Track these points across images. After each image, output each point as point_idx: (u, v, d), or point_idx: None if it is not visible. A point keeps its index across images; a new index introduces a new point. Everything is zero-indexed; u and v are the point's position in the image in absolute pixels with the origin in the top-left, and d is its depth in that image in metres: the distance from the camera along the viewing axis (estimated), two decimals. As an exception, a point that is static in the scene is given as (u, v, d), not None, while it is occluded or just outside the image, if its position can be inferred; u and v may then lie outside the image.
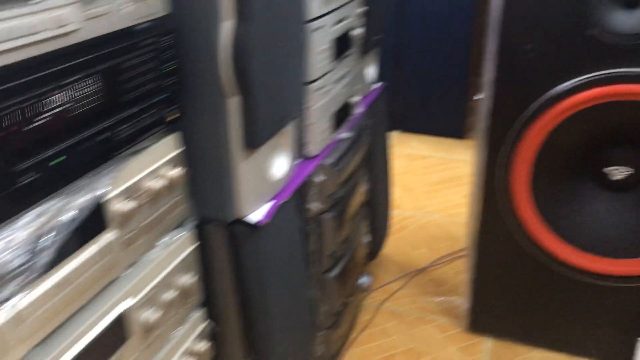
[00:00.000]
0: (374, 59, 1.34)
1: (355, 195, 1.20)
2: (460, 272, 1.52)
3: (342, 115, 1.12)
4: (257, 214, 0.86)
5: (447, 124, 2.41)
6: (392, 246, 1.66)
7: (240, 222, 0.85)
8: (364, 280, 1.37)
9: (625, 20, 0.96)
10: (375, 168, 1.36)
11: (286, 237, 0.95)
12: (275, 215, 0.89)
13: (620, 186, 1.10)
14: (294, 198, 0.96)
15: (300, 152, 1.00)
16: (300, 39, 0.90)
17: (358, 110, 1.21)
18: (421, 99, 2.42)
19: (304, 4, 0.89)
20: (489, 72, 1.09)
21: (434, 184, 2.04)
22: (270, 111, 0.81)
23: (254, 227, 0.85)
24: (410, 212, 1.86)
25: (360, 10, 1.13)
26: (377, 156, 1.36)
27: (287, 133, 0.92)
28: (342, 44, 1.06)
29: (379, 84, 1.39)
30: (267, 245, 0.88)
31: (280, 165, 0.91)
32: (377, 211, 1.42)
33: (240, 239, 0.85)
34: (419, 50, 2.35)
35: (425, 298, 1.44)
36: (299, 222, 0.99)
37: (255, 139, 0.78)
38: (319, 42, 0.96)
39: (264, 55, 0.77)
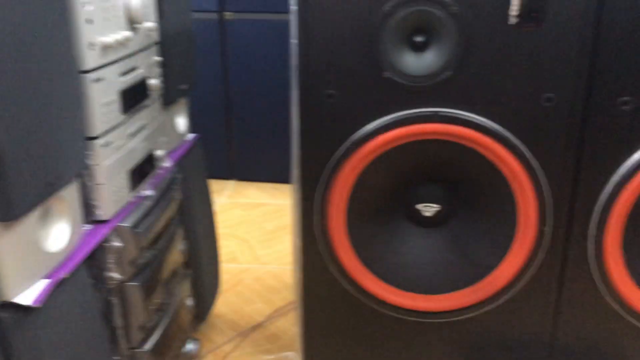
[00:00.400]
0: (183, 110, 1.27)
1: (168, 257, 1.10)
2: (295, 324, 1.47)
3: (143, 171, 1.03)
4: (28, 295, 0.74)
5: (283, 169, 2.40)
6: (225, 304, 1.56)
7: (7, 306, 0.72)
8: (190, 347, 1.26)
9: (415, 63, 0.98)
10: (194, 224, 1.27)
11: (75, 315, 0.82)
12: (55, 292, 0.77)
13: (431, 222, 1.11)
14: (83, 270, 0.84)
15: (89, 216, 0.89)
16: (76, 91, 0.81)
17: (165, 165, 1.13)
18: (255, 146, 2.39)
19: (77, 53, 0.80)
20: (295, 119, 1.06)
21: (270, 233, 1.99)
22: (32, 175, 0.70)
23: (26, 310, 0.73)
24: (246, 265, 1.79)
25: (155, 59, 1.06)
26: (195, 211, 1.28)
27: (65, 197, 0.80)
28: (134, 95, 0.98)
29: (191, 136, 1.31)
30: (46, 329, 0.76)
31: (58, 235, 0.80)
32: (201, 270, 1.32)
33: (8, 325, 0.71)
34: (249, 98, 2.33)
35: (260, 356, 1.36)
36: (94, 295, 0.88)
37: (10, 211, 0.66)
38: (102, 94, 0.87)
39: (16, 113, 0.66)
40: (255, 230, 2.02)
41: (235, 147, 2.41)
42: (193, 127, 1.33)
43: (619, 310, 1.07)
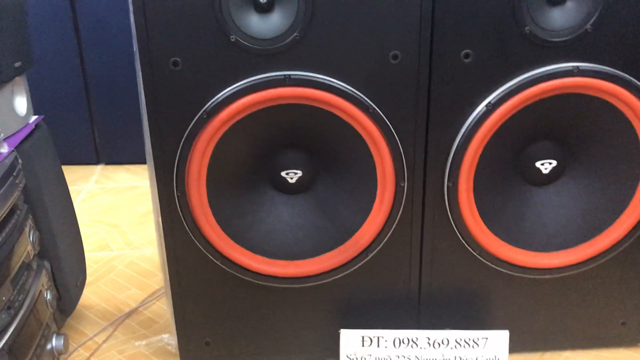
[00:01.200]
0: (21, 90, 1.16)
1: (14, 250, 1.01)
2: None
3: (-27, 159, 0.93)
4: None
5: (154, 149, 2.29)
6: (96, 294, 1.48)
7: None
8: (56, 343, 1.17)
9: (262, 25, 0.96)
10: (47, 212, 1.18)
11: None
12: None
13: (296, 189, 1.11)
14: None
15: None
16: None
17: (1, 151, 1.03)
18: (121, 126, 2.27)
19: None
20: (141, 91, 1.01)
21: (142, 216, 1.91)
22: None
23: None
24: (118, 252, 1.70)
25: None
26: (47, 198, 1.18)
27: None
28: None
29: (34, 118, 1.21)
30: None
31: None
32: (60, 260, 1.23)
33: None
34: (108, 75, 2.19)
35: (134, 343, 1.30)
36: None
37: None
38: None
39: None
40: (127, 214, 1.92)
41: (99, 129, 2.27)
42: (48, 110, 1.23)
43: (476, 254, 1.13)
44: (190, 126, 1.00)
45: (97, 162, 2.31)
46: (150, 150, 1.05)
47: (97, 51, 2.16)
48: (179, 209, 1.06)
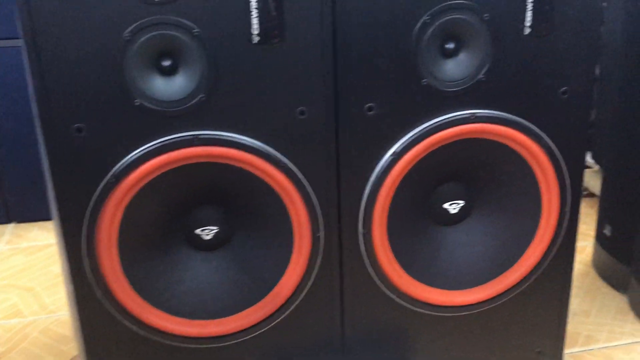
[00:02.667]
0: None
1: None
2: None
3: None
4: None
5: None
6: (7, 367, 1.40)
7: None
8: None
9: (166, 88, 0.96)
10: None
11: None
12: None
13: (213, 245, 1.10)
14: None
15: None
16: None
17: None
18: (33, 181, 2.18)
19: None
20: (43, 158, 0.98)
21: (58, 276, 1.83)
22: None
23: None
24: (31, 317, 1.61)
25: None
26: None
27: None
28: None
29: None
30: None
31: None
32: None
33: None
34: (18, 129, 2.11)
35: (51, 419, 1.24)
36: None
37: None
38: None
39: None
40: (41, 275, 1.84)
41: (9, 185, 2.17)
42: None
43: (394, 297, 1.15)
44: (98, 191, 0.98)
45: (7, 221, 2.20)
46: (57, 218, 1.02)
47: (4, 104, 2.08)
48: (89, 277, 1.02)
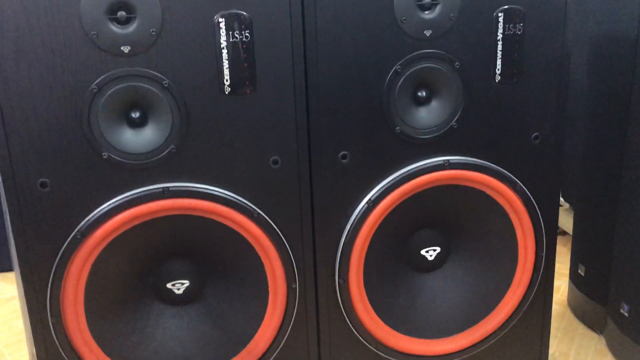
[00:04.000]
0: None
1: None
2: None
3: None
4: None
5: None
6: None
7: None
8: None
9: (136, 140, 0.93)
10: None
11: None
12: None
13: (185, 299, 1.06)
14: None
15: None
16: None
17: None
18: (-4, 233, 2.10)
19: None
20: (6, 213, 0.94)
21: (22, 332, 1.75)
22: None
23: None
24: (-8, 377, 1.53)
25: None
26: None
27: None
28: None
29: None
30: None
31: None
32: None
33: None
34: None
35: None
36: None
37: None
38: None
39: None
40: (4, 331, 1.75)
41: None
42: None
43: (372, 348, 1.12)
44: (63, 248, 0.94)
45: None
46: (20, 275, 0.97)
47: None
48: (54, 337, 0.97)
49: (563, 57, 1.06)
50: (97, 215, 0.94)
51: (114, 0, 0.87)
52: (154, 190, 0.95)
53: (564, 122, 1.09)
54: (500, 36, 1.01)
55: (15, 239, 0.94)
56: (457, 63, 1.01)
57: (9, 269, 2.12)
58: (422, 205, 1.09)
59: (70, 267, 0.95)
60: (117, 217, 0.94)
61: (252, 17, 0.92)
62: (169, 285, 1.05)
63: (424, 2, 0.97)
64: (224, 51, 0.93)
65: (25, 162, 0.90)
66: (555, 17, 1.04)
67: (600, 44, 1.40)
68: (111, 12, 0.87)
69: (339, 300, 1.09)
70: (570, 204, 2.14)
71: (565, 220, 2.14)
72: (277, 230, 1.02)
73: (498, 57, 1.02)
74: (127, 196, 0.94)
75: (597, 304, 1.57)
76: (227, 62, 0.93)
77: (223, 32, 0.92)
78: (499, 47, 1.01)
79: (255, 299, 1.06)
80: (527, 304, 1.18)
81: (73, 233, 0.94)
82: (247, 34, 0.93)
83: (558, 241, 2.14)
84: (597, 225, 1.53)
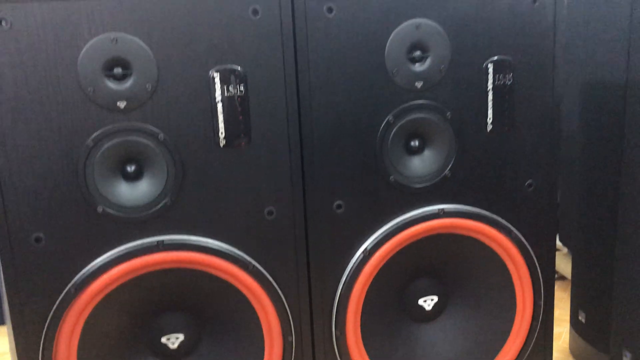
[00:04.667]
0: None
1: None
2: None
3: None
4: None
5: None
6: None
7: None
8: None
9: (130, 193, 0.94)
10: None
11: None
12: None
13: (179, 354, 1.04)
14: None
15: None
16: None
17: None
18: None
19: None
20: (-1, 268, 0.93)
21: (13, 387, 1.71)
22: None
23: None
24: None
25: None
26: None
27: None
28: None
29: None
30: None
31: None
32: None
33: None
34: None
35: None
36: None
37: None
38: None
39: None
40: (-5, 387, 1.71)
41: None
42: None
43: (372, 402, 1.10)
44: (57, 303, 0.93)
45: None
46: (12, 331, 0.96)
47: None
48: (46, 395, 0.95)
49: (554, 105, 1.08)
50: (92, 269, 0.93)
51: (110, 57, 0.89)
52: (148, 244, 0.95)
53: (557, 170, 1.10)
54: (490, 87, 1.03)
55: (8, 293, 0.93)
56: (448, 113, 1.02)
57: (1, 323, 2.09)
58: (418, 255, 1.08)
59: (63, 323, 0.94)
60: (111, 271, 0.94)
61: (247, 72, 0.94)
62: (163, 340, 1.03)
63: (414, 55, 0.99)
64: (219, 105, 0.94)
65: (20, 216, 0.90)
66: (544, 67, 1.06)
67: (590, 91, 1.43)
68: (108, 69, 0.89)
69: (336, 352, 1.07)
70: (568, 248, 2.13)
71: (565, 265, 2.13)
72: (273, 282, 1.01)
73: (489, 107, 1.03)
74: (122, 250, 0.94)
75: (598, 351, 1.55)
76: (222, 115, 0.94)
77: (218, 86, 0.94)
78: (490, 97, 1.03)
79: (250, 352, 1.04)
80: (527, 353, 1.17)
81: (67, 288, 0.93)
82: (242, 88, 0.95)
83: (558, 286, 2.12)
84: (595, 271, 1.52)
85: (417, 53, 0.99)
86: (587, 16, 1.39)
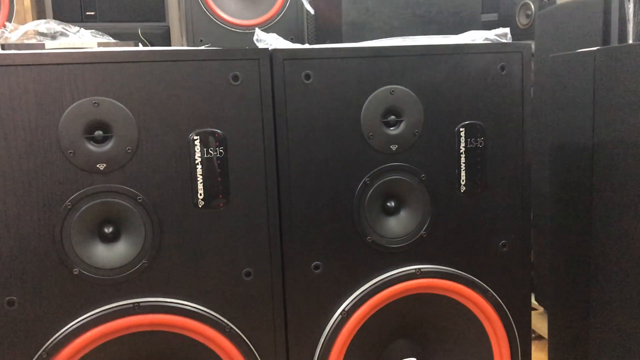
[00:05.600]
0: None
1: None
2: None
3: None
4: None
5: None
6: None
7: None
8: None
9: (107, 255, 0.93)
10: None
11: None
12: None
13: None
14: None
15: None
16: None
17: None
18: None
19: None
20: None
21: None
22: None
23: None
24: None
25: None
26: None
27: None
28: None
29: None
30: None
31: None
32: None
33: None
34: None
35: None
36: None
37: None
38: None
39: None
40: None
41: None
42: None
43: None
44: (22, 372, 0.91)
45: None
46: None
47: None
48: None
49: (524, 167, 1.11)
50: (65, 333, 0.92)
51: (92, 120, 0.91)
52: (124, 306, 0.94)
53: (529, 229, 1.13)
54: (462, 149, 1.06)
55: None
56: (422, 175, 1.05)
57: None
58: (396, 315, 1.09)
59: (30, 391, 0.91)
60: (84, 335, 0.92)
61: (226, 135, 0.96)
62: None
63: (389, 119, 1.02)
64: (199, 167, 0.96)
65: (-7, 279, 0.89)
66: (514, 130, 1.10)
67: (558, 152, 1.48)
68: (89, 132, 0.90)
69: (316, 416, 1.05)
70: (544, 307, 2.14)
71: (541, 324, 2.13)
72: (249, 344, 1.00)
73: (462, 169, 1.07)
74: (97, 312, 0.93)
75: (578, 412, 1.54)
76: (201, 177, 0.96)
77: (198, 148, 0.95)
78: (462, 159, 1.06)
79: (228, 418, 1.02)
80: (507, 415, 1.16)
81: (39, 353, 0.91)
82: (222, 150, 0.96)
83: (535, 346, 2.12)
84: (571, 330, 1.53)
85: (392, 117, 1.03)
86: (553, 82, 1.45)
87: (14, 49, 0.96)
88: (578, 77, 1.34)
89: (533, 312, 1.89)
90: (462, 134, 1.06)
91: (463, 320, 1.12)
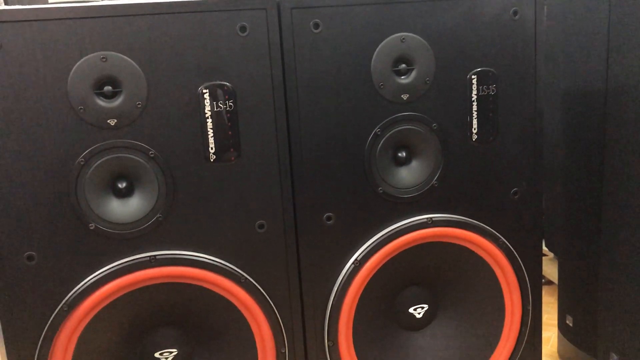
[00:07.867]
0: None
1: None
2: None
3: None
4: None
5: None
6: None
7: None
8: None
9: (122, 210, 0.94)
10: None
11: None
12: None
13: (172, 368, 1.05)
14: None
15: None
16: None
17: None
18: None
19: None
20: (-9, 288, 0.93)
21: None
22: None
23: None
24: None
25: None
26: None
27: None
28: None
29: None
30: None
31: None
32: None
33: None
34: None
35: None
36: None
37: None
38: None
39: None
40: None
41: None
42: None
43: (365, 412, 1.11)
44: (50, 321, 0.93)
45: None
46: (5, 350, 0.96)
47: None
48: (40, 415, 0.95)
49: (536, 114, 1.10)
50: (84, 286, 0.94)
51: (100, 75, 0.90)
52: (141, 259, 0.96)
53: (541, 177, 1.12)
54: (474, 97, 1.05)
55: (0, 311, 0.93)
56: (434, 124, 1.04)
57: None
58: (408, 264, 1.10)
59: (56, 341, 0.94)
60: (104, 288, 0.94)
61: (235, 87, 0.95)
62: (157, 355, 1.04)
63: (400, 68, 1.01)
64: (209, 120, 0.95)
65: (11, 235, 0.91)
66: (527, 77, 1.08)
67: (571, 99, 1.46)
68: (98, 87, 0.90)
69: (329, 363, 1.08)
70: (554, 253, 2.16)
71: (552, 270, 2.15)
72: (265, 294, 1.02)
73: (474, 117, 1.06)
74: (114, 266, 0.95)
75: (587, 354, 1.57)
76: (211, 130, 0.96)
77: (207, 102, 0.95)
78: (474, 107, 1.05)
79: (246, 364, 1.05)
80: (517, 358, 1.18)
81: (60, 306, 0.93)
82: (231, 104, 0.96)
83: (546, 291, 2.15)
84: (581, 275, 1.54)
85: (403, 66, 1.01)
86: (566, 28, 1.42)
87: (17, 4, 0.94)
88: (592, 21, 1.31)
89: (543, 258, 1.91)
90: (474, 81, 1.05)
91: (474, 268, 1.13)
